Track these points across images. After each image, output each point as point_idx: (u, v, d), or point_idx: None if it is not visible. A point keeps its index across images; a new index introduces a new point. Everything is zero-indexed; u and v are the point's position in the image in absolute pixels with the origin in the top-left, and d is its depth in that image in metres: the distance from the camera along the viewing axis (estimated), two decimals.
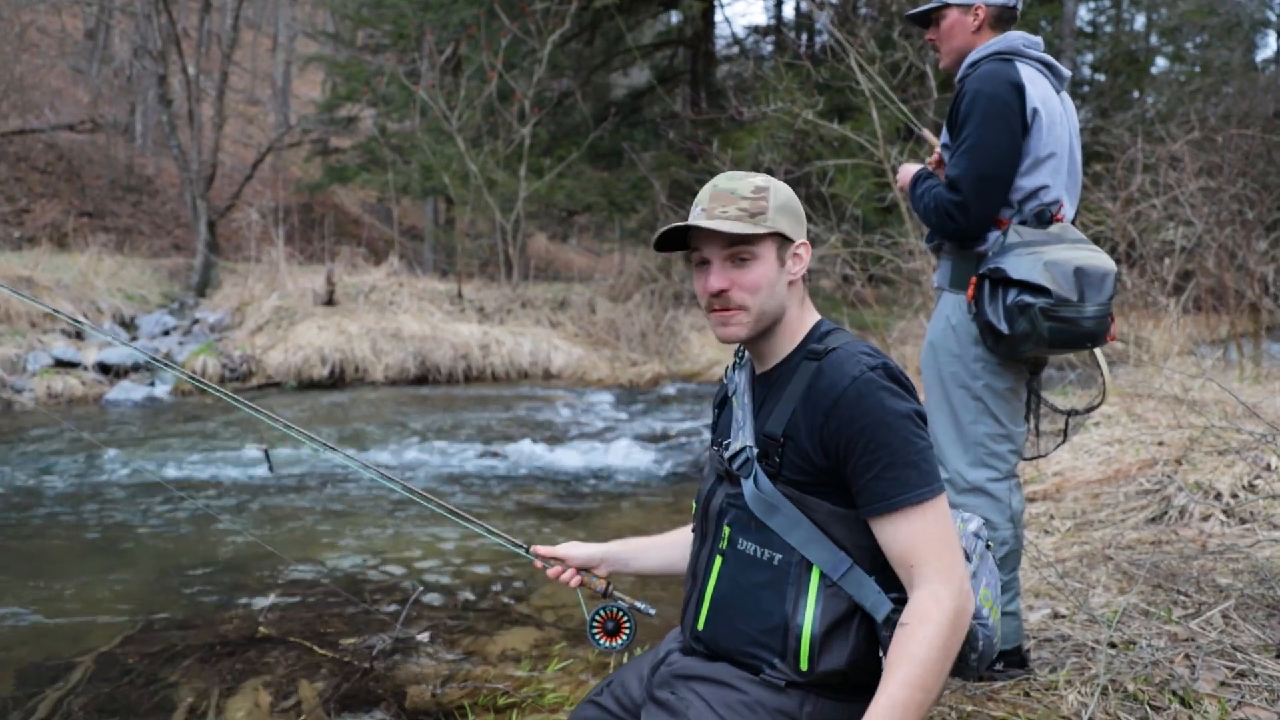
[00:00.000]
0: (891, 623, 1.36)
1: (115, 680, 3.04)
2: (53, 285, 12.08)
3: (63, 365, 10.22)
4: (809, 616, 1.40)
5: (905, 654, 1.31)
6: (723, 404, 1.67)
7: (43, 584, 4.04)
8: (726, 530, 1.51)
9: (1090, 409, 2.60)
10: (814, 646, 1.39)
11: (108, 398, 9.78)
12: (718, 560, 1.52)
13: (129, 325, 12.60)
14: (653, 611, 1.71)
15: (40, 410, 8.76)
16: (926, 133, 2.79)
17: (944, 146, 2.44)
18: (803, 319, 1.55)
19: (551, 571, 1.75)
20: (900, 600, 1.38)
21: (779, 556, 1.43)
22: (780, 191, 1.52)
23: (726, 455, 1.53)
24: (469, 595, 3.96)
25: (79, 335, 11.47)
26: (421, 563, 4.44)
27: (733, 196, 1.48)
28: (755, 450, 1.48)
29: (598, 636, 1.72)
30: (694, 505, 1.65)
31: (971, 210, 2.24)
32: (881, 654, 1.39)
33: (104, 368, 10.51)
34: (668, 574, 1.77)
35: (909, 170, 2.52)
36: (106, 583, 4.06)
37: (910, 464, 1.37)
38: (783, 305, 1.52)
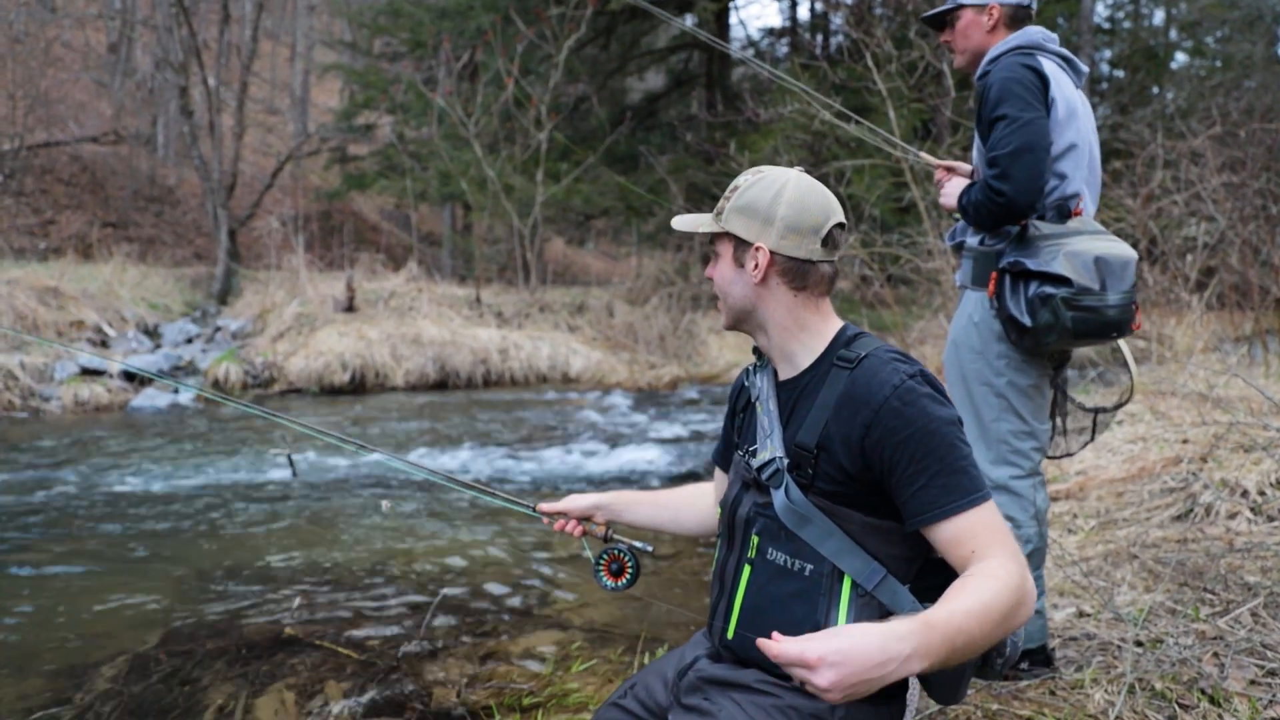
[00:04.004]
0: None
1: (145, 681, 3.08)
2: (79, 295, 12.24)
3: (89, 373, 10.35)
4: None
5: (970, 588, 1.25)
6: (745, 408, 1.64)
7: (73, 587, 4.10)
8: (755, 539, 1.48)
9: (1118, 406, 2.59)
10: None
11: (133, 405, 9.90)
12: (746, 569, 1.49)
13: (153, 334, 12.76)
14: (650, 548, 1.81)
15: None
16: (926, 156, 2.74)
17: (979, 151, 2.41)
18: (808, 323, 1.50)
19: (557, 525, 1.84)
20: None
21: (810, 567, 1.41)
22: (751, 190, 1.49)
23: (754, 464, 1.50)
24: (492, 596, 3.98)
25: (104, 344, 11.63)
26: (445, 564, 4.46)
27: (727, 191, 1.57)
28: (786, 460, 1.45)
29: (604, 578, 1.82)
30: (719, 510, 1.64)
31: (1015, 179, 2.18)
32: None
33: (129, 376, 10.63)
34: (654, 530, 1.86)
35: (958, 185, 2.44)
36: (135, 586, 4.11)
37: (960, 470, 1.34)
38: (748, 304, 1.51)
